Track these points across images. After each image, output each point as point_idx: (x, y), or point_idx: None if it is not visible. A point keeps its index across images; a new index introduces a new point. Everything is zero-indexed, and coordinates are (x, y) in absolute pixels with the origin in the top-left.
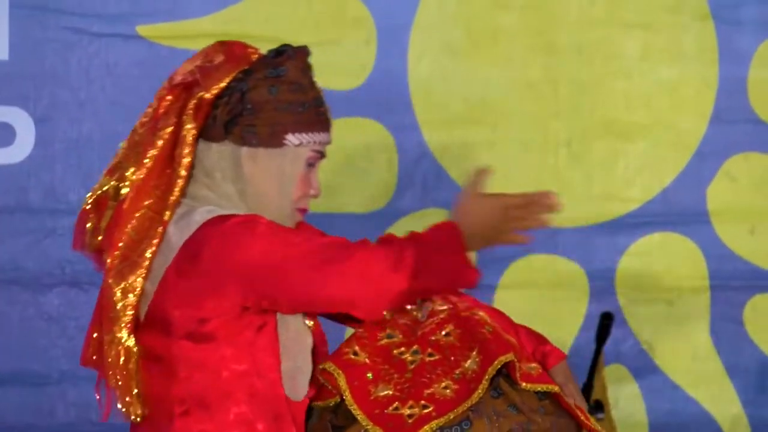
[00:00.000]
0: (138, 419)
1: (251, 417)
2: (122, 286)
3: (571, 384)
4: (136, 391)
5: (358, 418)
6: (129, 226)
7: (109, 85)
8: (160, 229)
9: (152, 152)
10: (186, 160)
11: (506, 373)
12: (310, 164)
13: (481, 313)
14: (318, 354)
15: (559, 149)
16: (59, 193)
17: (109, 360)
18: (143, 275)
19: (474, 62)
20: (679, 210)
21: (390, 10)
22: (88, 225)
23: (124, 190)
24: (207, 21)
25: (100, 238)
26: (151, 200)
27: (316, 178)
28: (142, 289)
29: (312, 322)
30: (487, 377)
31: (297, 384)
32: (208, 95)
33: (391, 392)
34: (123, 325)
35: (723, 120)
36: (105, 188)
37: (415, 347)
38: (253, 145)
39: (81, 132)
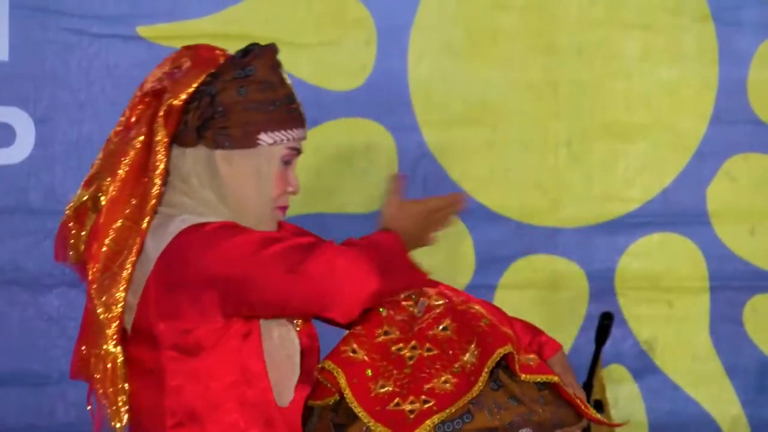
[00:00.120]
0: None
1: (243, 425)
2: (104, 299)
3: (569, 374)
4: (123, 404)
5: (360, 415)
6: (107, 239)
7: (109, 86)
8: (138, 240)
9: (125, 161)
10: (159, 168)
11: (505, 365)
12: (286, 162)
13: (477, 307)
14: (309, 353)
15: (559, 149)
16: (59, 193)
17: (97, 375)
18: (124, 288)
19: (474, 63)
20: (679, 210)
21: (390, 11)
22: (71, 236)
23: (103, 199)
24: (207, 21)
25: (82, 248)
26: (128, 210)
27: (294, 175)
28: (125, 302)
29: (300, 320)
30: (486, 370)
31: (282, 391)
32: (176, 102)
33: (391, 388)
34: (109, 338)
35: (723, 120)
36: (84, 199)
37: (413, 343)
38: (227, 148)
39: (81, 133)
